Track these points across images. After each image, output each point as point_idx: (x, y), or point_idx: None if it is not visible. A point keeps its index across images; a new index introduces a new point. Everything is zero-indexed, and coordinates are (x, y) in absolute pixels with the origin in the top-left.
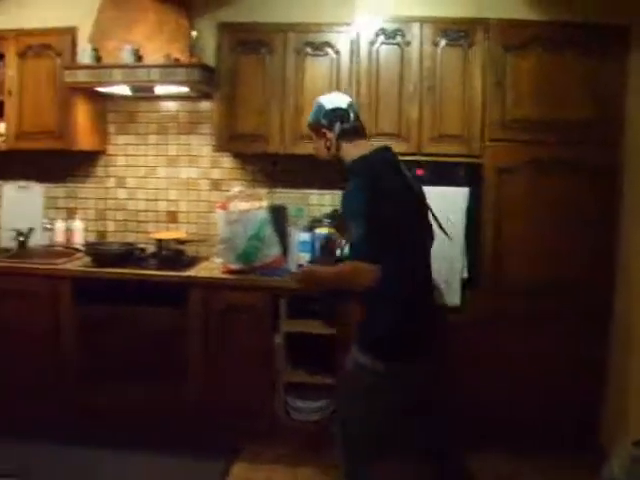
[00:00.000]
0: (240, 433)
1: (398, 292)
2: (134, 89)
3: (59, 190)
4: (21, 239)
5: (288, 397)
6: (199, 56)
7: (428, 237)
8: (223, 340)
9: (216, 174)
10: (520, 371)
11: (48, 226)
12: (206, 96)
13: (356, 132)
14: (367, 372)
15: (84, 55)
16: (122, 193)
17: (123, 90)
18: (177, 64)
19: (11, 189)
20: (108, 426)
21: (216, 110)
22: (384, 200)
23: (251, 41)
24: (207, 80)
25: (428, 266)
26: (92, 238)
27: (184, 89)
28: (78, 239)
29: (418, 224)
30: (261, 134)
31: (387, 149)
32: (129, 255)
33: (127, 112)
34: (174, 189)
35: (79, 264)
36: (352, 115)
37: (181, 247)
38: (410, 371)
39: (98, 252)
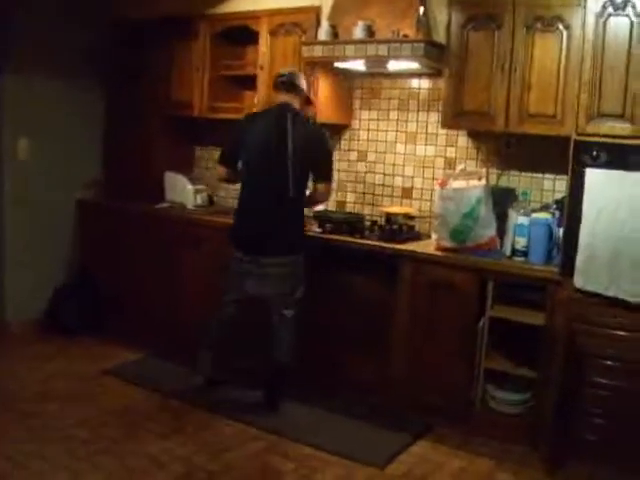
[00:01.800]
0: (434, 412)
1: (241, 203)
2: (368, 65)
3: None
4: None
5: (488, 385)
6: (427, 32)
7: (279, 170)
8: (427, 317)
9: (451, 152)
10: None
11: None
12: (439, 73)
13: (277, 87)
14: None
15: (322, 32)
16: (362, 166)
17: (358, 65)
18: (403, 40)
19: None
20: (307, 386)
21: (445, 86)
22: (248, 135)
23: (481, 16)
24: (436, 56)
25: (276, 188)
26: (332, 207)
27: (414, 65)
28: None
29: (267, 159)
30: (486, 111)
31: (286, 104)
32: (354, 225)
33: (371, 88)
34: (410, 165)
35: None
36: (282, 77)
37: (410, 222)
38: (251, 261)
39: (323, 218)
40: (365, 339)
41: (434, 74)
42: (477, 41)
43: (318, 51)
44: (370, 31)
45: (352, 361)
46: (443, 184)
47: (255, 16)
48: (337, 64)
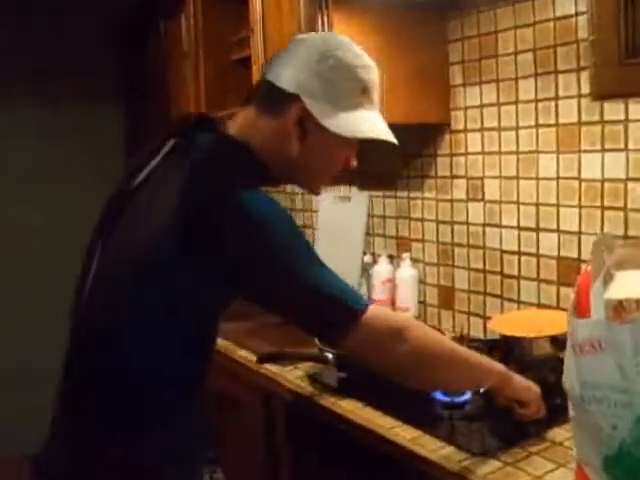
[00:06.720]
0: None
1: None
2: None
3: (388, 202)
4: None
5: None
6: None
7: None
8: None
9: None
10: None
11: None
12: None
13: None
14: None
15: None
16: (477, 212)
17: None
18: None
19: (326, 200)
20: None
21: None
22: None
23: None
24: None
25: None
26: (434, 299)
27: None
28: (405, 298)
29: None
30: None
31: None
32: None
33: (478, 37)
34: (572, 203)
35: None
36: None
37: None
38: None
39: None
40: None
41: None
42: None
43: None
44: None
45: None
46: (582, 302)
47: None
48: None
